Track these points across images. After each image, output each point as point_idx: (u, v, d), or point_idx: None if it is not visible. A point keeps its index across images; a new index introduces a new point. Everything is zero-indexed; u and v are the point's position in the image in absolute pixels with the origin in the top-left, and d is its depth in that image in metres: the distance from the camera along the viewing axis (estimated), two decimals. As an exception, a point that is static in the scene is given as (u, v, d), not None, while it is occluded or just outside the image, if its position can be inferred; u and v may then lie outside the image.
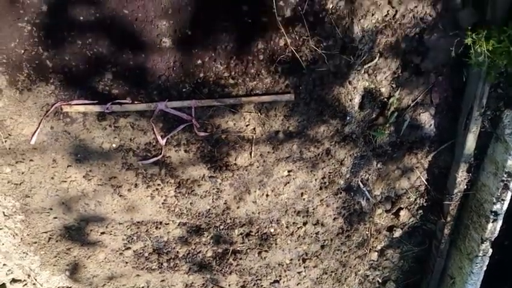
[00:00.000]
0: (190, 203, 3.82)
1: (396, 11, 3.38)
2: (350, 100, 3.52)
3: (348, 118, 3.57)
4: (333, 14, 3.10)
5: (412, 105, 3.89)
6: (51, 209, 3.80)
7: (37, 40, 3.03)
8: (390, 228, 4.43)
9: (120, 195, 3.74)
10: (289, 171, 3.76)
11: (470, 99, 3.67)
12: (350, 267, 4.46)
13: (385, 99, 3.78)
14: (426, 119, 3.97)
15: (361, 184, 4.02)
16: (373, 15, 3.32)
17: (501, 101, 3.64)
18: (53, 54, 3.09)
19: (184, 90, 3.29)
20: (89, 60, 3.12)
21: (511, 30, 3.04)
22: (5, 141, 3.41)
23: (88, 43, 3.06)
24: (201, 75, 3.23)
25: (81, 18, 2.97)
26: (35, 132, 3.40)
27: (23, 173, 3.58)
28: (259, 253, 4.23)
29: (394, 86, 3.73)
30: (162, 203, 3.82)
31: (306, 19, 3.08)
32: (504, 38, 3.08)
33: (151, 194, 3.75)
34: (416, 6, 3.37)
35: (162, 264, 4.26)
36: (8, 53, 3.08)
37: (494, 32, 3.15)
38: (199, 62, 3.19)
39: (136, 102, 3.30)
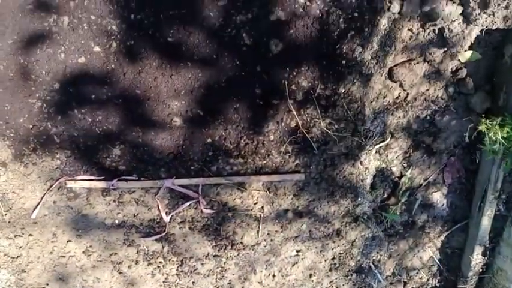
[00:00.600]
0: (193, 282, 3.65)
1: (408, 94, 3.38)
2: (361, 180, 3.44)
3: (360, 199, 3.48)
4: (344, 98, 3.09)
5: (424, 184, 3.81)
6: (47, 284, 3.63)
7: (46, 116, 3.01)
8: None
9: (120, 272, 3.58)
10: (297, 251, 3.62)
11: (484, 181, 3.59)
12: None
13: (397, 179, 3.70)
14: (438, 198, 3.87)
15: (372, 266, 3.86)
16: (384, 97, 3.31)
17: (516, 185, 3.55)
18: (62, 130, 3.05)
19: (192, 167, 3.23)
20: (98, 137, 3.08)
21: (525, 120, 3.01)
22: (5, 214, 3.31)
23: (98, 120, 3.03)
24: (210, 153, 3.18)
25: (93, 96, 2.96)
26: (36, 206, 3.31)
27: (21, 247, 3.45)
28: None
29: (405, 165, 3.67)
30: (163, 282, 3.65)
31: (318, 102, 3.07)
32: (518, 126, 3.05)
33: (152, 271, 3.60)
34: (428, 89, 3.37)
35: None
36: (16, 127, 3.05)
37: (509, 119, 3.12)
38: (209, 140, 3.15)
39: (142, 178, 3.23)
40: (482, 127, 3.11)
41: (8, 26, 2.74)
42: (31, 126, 3.07)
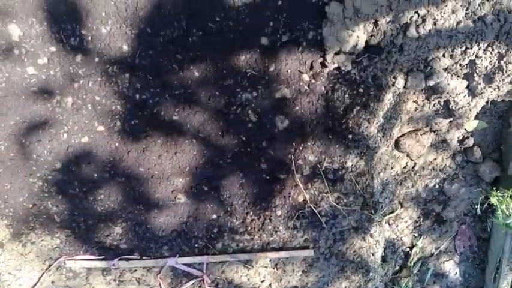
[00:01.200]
0: None
1: (415, 163, 3.31)
2: (372, 254, 3.30)
3: (371, 274, 3.33)
4: (352, 171, 3.02)
5: (435, 253, 3.68)
6: None
7: (47, 195, 2.92)
8: None
9: None
10: (307, 329, 3.43)
11: (497, 252, 3.46)
12: None
13: (408, 249, 3.58)
14: (451, 267, 3.73)
15: None
16: (392, 168, 3.24)
17: (532, 256, 3.41)
18: (62, 209, 2.95)
19: (196, 245, 3.11)
20: (99, 216, 2.98)
21: (537, 191, 2.92)
22: (0, 296, 3.15)
23: (99, 199, 2.94)
24: (215, 230, 3.07)
25: (95, 175, 2.88)
26: (33, 287, 3.14)
27: (15, 331, 3.25)
28: None
29: (416, 235, 3.55)
30: None
31: (325, 176, 2.99)
32: (531, 198, 2.96)
33: None
34: (435, 158, 3.31)
35: None
36: (16, 206, 2.95)
37: (520, 191, 3.04)
38: (214, 216, 3.04)
39: (144, 257, 3.10)
40: (493, 200, 3.02)
41: (10, 107, 2.70)
42: (31, 206, 2.98)
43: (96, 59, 2.63)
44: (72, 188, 2.93)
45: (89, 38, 2.57)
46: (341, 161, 2.98)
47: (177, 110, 2.78)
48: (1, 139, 2.78)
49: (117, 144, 2.84)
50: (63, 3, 2.46)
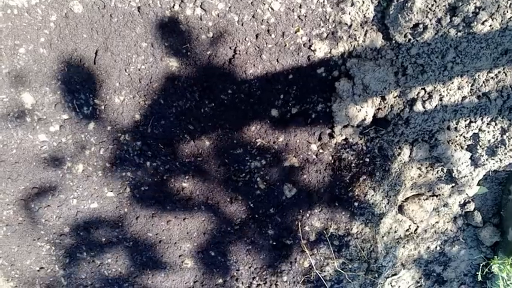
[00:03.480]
0: None
1: (418, 226, 3.01)
2: (375, 317, 2.95)
3: (375, 337, 2.97)
4: (358, 238, 2.71)
5: (436, 312, 3.31)
6: None
7: (55, 259, 2.59)
8: None
9: None
10: None
11: (499, 314, 3.10)
12: None
13: (409, 309, 3.21)
14: (451, 325, 3.36)
15: None
16: (395, 232, 2.94)
17: (534, 321, 3.06)
18: (69, 273, 2.62)
19: (202, 309, 2.75)
20: (106, 280, 2.63)
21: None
22: None
23: (107, 263, 2.61)
24: (221, 294, 2.72)
25: (103, 239, 2.56)
26: None
27: None
28: None
29: (417, 294, 3.20)
30: None
31: (331, 242, 2.67)
32: (534, 268, 2.64)
33: None
34: (437, 222, 3.01)
35: None
36: (23, 269, 2.61)
37: (522, 259, 2.72)
38: (220, 281, 2.70)
39: (150, 321, 2.73)
40: (494, 268, 2.71)
41: (21, 173, 2.41)
42: (38, 269, 2.64)
43: (109, 128, 2.36)
44: (80, 252, 2.60)
45: (102, 107, 2.31)
46: (347, 227, 2.68)
47: (186, 177, 2.49)
48: (10, 203, 2.47)
49: (126, 210, 2.53)
50: (77, 74, 2.21)
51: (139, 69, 2.24)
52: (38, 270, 2.64)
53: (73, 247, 2.59)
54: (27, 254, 2.59)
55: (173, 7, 2.13)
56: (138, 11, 2.12)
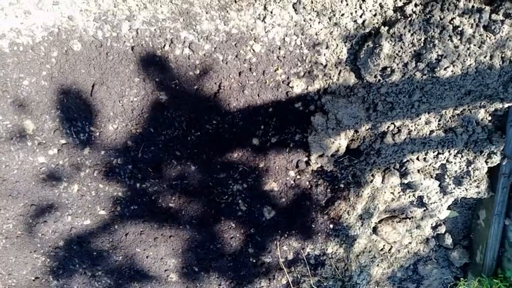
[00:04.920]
0: None
1: (391, 247, 3.32)
2: (349, 331, 3.27)
3: None
4: (332, 258, 3.03)
5: (409, 328, 3.63)
6: None
7: (49, 269, 2.91)
8: None
9: None
10: None
11: (467, 332, 3.42)
12: None
13: (383, 326, 3.54)
14: None
15: None
16: (370, 251, 3.25)
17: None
18: (62, 283, 2.94)
19: (186, 320, 3.07)
20: (96, 290, 2.95)
21: (500, 283, 2.93)
22: None
23: (98, 275, 2.93)
24: (204, 307, 3.04)
25: (95, 253, 2.88)
26: None
27: None
28: None
29: (391, 311, 3.52)
30: None
31: (308, 261, 3.00)
32: (495, 290, 2.96)
33: None
34: (410, 242, 3.32)
35: None
36: (19, 278, 2.94)
37: (485, 280, 3.05)
38: (203, 294, 3.02)
39: (136, 330, 3.05)
40: (461, 291, 3.03)
41: (21, 191, 2.73)
42: (33, 278, 2.96)
43: (102, 152, 2.68)
44: (72, 264, 2.92)
45: (97, 133, 2.63)
46: (322, 247, 3.00)
47: (173, 198, 2.81)
48: (10, 218, 2.79)
49: (116, 227, 2.85)
50: (75, 104, 2.52)
51: (132, 101, 2.56)
52: (33, 280, 2.96)
53: (66, 260, 2.91)
54: (23, 265, 2.91)
55: (164, 47, 2.45)
56: (132, 50, 2.44)
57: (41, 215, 2.79)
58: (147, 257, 2.91)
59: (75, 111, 2.55)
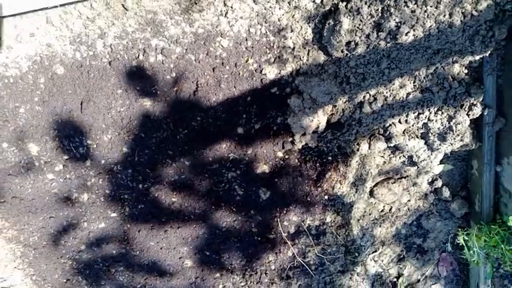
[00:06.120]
0: None
1: (391, 207, 3.56)
2: (361, 290, 3.58)
3: (362, 308, 3.60)
4: (332, 226, 3.30)
5: (421, 279, 3.90)
6: None
7: (77, 271, 3.32)
8: None
9: None
10: None
11: (475, 276, 3.67)
12: None
13: (395, 279, 3.82)
14: (438, 289, 3.95)
15: None
16: (370, 214, 3.50)
17: (505, 279, 3.61)
18: (91, 282, 3.34)
19: (206, 300, 3.45)
20: (122, 284, 3.35)
21: (499, 228, 3.13)
22: None
23: (120, 270, 3.31)
24: (220, 286, 3.40)
25: (114, 252, 3.26)
26: None
27: None
28: None
29: (401, 266, 3.79)
30: None
31: (309, 232, 3.28)
32: (493, 234, 3.17)
33: None
34: (409, 200, 3.54)
35: None
36: (52, 282, 3.36)
37: (485, 227, 3.25)
38: (217, 275, 3.38)
39: (163, 314, 3.46)
40: (460, 240, 3.24)
41: (38, 206, 3.10)
42: (65, 281, 3.38)
43: (102, 161, 3.00)
44: (96, 263, 3.32)
45: (94, 145, 2.94)
46: (321, 218, 3.27)
47: (174, 193, 3.13)
48: (34, 231, 3.18)
49: (128, 226, 3.20)
50: (69, 122, 2.82)
51: (119, 111, 2.84)
52: (65, 282, 3.38)
53: (90, 260, 3.31)
54: (54, 270, 3.33)
55: (138, 57, 2.69)
56: (110, 65, 2.70)
57: (60, 225, 3.16)
58: (161, 248, 3.26)
59: (71, 129, 2.86)
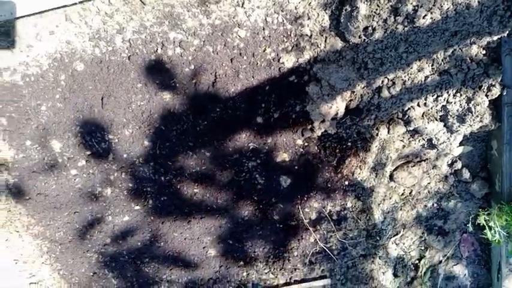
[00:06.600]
0: None
1: (411, 190, 3.63)
2: (383, 273, 3.67)
3: (384, 291, 3.70)
4: (353, 211, 3.38)
5: (443, 260, 3.99)
6: None
7: (103, 264, 3.44)
8: None
9: None
10: None
11: (497, 256, 3.74)
12: None
13: (417, 261, 3.91)
14: (459, 270, 4.03)
15: None
16: (390, 198, 3.57)
17: (528, 257, 3.68)
18: (117, 274, 3.47)
19: (230, 287, 3.57)
20: (147, 275, 3.48)
21: (520, 206, 3.19)
22: None
23: (146, 261, 3.44)
24: (244, 273, 3.51)
25: (139, 244, 3.38)
26: (103, 336, 3.69)
27: None
28: None
29: (422, 248, 3.87)
30: None
31: (330, 218, 3.37)
32: (515, 213, 3.23)
33: None
34: (429, 183, 3.61)
35: None
36: (79, 276, 3.49)
37: (505, 207, 3.31)
38: (241, 263, 3.48)
39: (189, 303, 3.58)
40: (481, 220, 3.31)
41: (63, 202, 3.21)
42: (92, 274, 3.51)
43: (124, 155, 3.09)
44: (122, 256, 3.44)
45: (116, 140, 3.04)
46: (342, 203, 3.35)
47: (196, 184, 3.22)
48: (59, 227, 3.31)
49: (152, 218, 3.31)
50: (91, 118, 2.92)
51: (139, 105, 2.93)
52: (92, 275, 3.51)
53: (116, 253, 3.43)
54: (81, 264, 3.46)
55: (156, 51, 2.76)
56: (129, 60, 2.77)
57: (85, 219, 3.28)
58: (184, 238, 3.37)
59: (93, 124, 2.95)
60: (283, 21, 2.74)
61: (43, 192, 3.13)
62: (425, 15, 2.59)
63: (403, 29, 2.67)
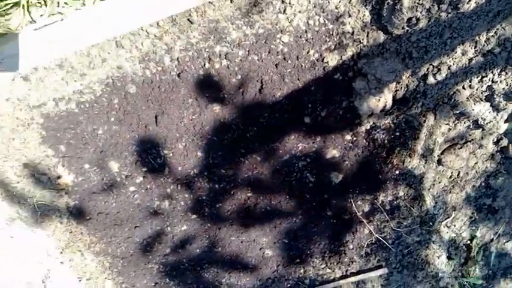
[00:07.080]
0: None
1: (459, 172, 3.71)
2: (438, 257, 3.78)
3: (440, 274, 3.81)
4: (405, 199, 3.48)
5: (495, 238, 4.08)
6: None
7: (164, 274, 3.62)
8: None
9: None
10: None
11: (552, 228, 3.82)
12: None
13: (469, 242, 4.01)
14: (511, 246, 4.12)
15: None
16: (439, 182, 3.67)
17: None
18: (178, 282, 3.65)
19: (288, 285, 3.72)
20: (207, 280, 3.65)
21: None
22: None
23: (205, 267, 3.60)
24: (301, 270, 3.66)
25: (198, 250, 3.54)
26: None
27: None
28: None
29: (473, 228, 3.97)
30: None
31: (383, 208, 3.48)
32: None
33: None
34: (476, 163, 3.69)
35: None
36: (142, 287, 3.67)
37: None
38: (297, 260, 3.63)
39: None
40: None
41: (123, 218, 3.38)
42: (153, 284, 3.69)
43: (179, 168, 3.24)
44: (182, 264, 3.61)
45: (171, 154, 3.18)
46: (394, 193, 3.45)
47: (249, 188, 3.36)
48: (121, 242, 3.48)
49: (209, 225, 3.46)
50: (146, 136, 3.06)
51: (191, 119, 3.06)
52: (154, 286, 3.70)
53: (176, 262, 3.60)
54: (142, 276, 3.64)
55: (204, 65, 2.88)
56: (178, 77, 2.90)
57: (145, 232, 3.45)
58: (241, 242, 3.52)
59: (148, 142, 3.09)
60: (324, 21, 2.82)
61: (104, 211, 3.29)
62: (470, 0, 2.65)
63: (447, 16, 2.74)
